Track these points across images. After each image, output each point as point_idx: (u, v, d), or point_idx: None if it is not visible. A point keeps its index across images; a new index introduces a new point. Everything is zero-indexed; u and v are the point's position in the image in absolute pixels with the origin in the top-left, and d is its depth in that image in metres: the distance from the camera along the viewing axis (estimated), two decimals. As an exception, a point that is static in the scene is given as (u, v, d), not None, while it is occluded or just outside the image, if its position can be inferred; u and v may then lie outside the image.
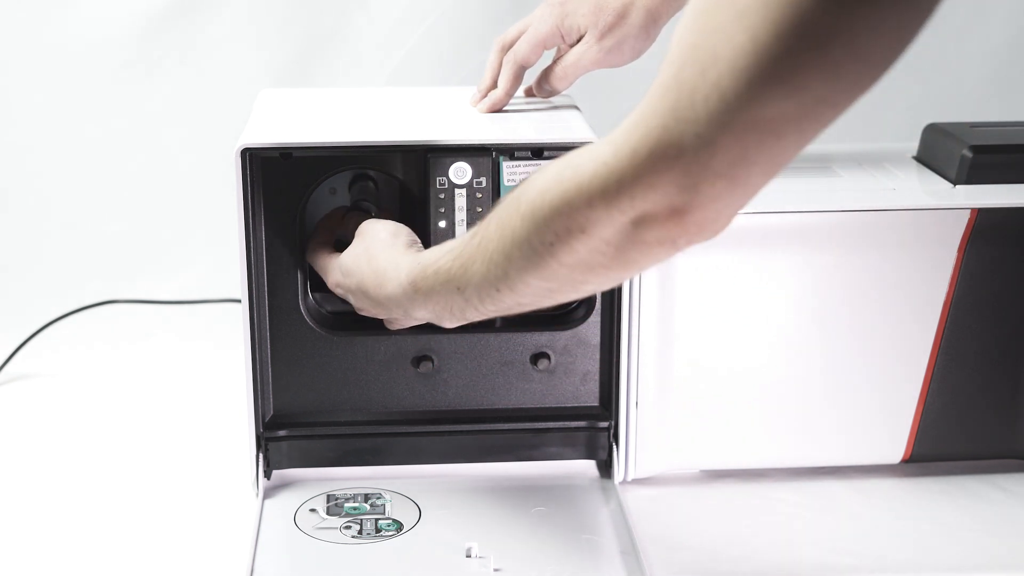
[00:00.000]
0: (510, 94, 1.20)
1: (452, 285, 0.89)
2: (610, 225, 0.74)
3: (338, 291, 1.07)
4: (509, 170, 1.11)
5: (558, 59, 1.19)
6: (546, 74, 1.20)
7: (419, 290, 0.94)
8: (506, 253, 0.82)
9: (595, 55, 1.16)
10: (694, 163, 0.69)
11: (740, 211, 0.73)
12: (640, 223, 0.73)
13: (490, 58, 1.21)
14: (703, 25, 0.67)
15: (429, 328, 1.14)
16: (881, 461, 1.20)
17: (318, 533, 1.09)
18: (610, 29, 1.15)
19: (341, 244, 1.10)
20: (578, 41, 1.17)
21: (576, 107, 1.24)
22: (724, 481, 1.19)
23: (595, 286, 0.81)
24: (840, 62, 0.64)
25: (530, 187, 0.80)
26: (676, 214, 0.72)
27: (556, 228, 0.77)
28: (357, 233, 1.06)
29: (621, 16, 1.14)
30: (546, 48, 1.19)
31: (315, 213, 1.20)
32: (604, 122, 1.29)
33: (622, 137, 0.72)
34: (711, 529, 1.11)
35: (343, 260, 1.05)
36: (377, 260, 1.01)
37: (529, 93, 1.24)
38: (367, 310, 1.05)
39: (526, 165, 1.12)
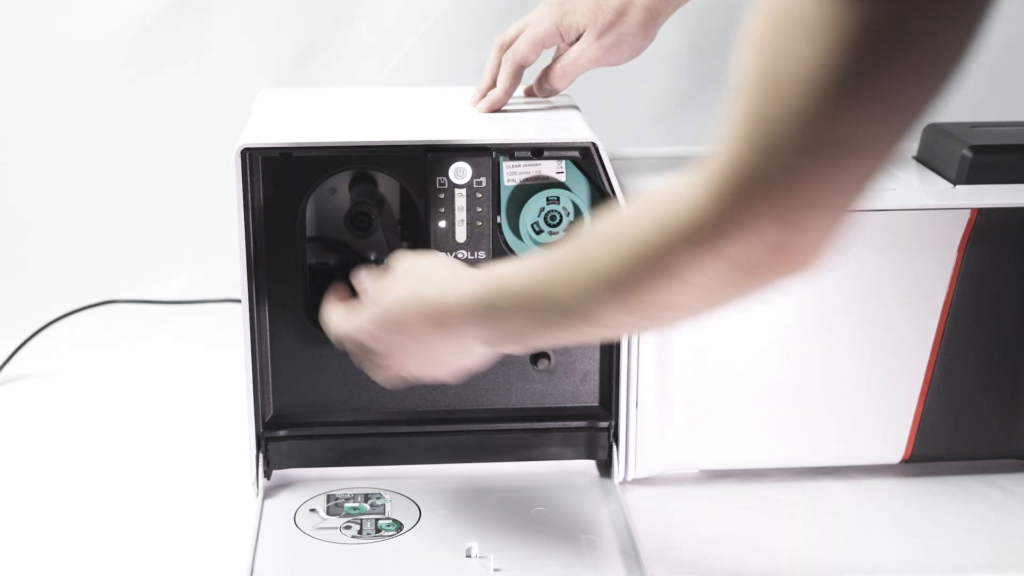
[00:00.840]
0: (509, 93, 1.19)
1: (529, 310, 0.84)
2: (705, 270, 0.71)
3: (360, 337, 0.99)
4: (509, 170, 1.11)
5: (557, 58, 1.19)
6: (546, 73, 1.20)
7: (490, 307, 0.88)
8: (586, 288, 0.79)
9: (594, 53, 1.16)
10: (787, 195, 0.66)
11: (834, 240, 0.70)
12: (738, 265, 0.70)
13: (489, 58, 1.21)
14: (768, 50, 0.64)
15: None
16: (881, 461, 1.20)
17: (318, 533, 1.09)
18: (609, 27, 1.15)
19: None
20: (577, 40, 1.17)
21: (576, 107, 1.24)
22: (724, 481, 1.19)
23: (682, 322, 0.78)
24: (918, 63, 0.62)
25: (616, 228, 0.77)
26: (775, 251, 0.69)
27: (644, 273, 0.74)
28: (391, 268, 1.00)
29: (620, 14, 1.14)
30: (545, 47, 1.19)
31: (315, 213, 1.20)
32: (604, 121, 1.29)
33: (706, 177, 0.69)
34: (711, 529, 1.11)
35: (384, 297, 0.97)
36: (435, 276, 0.94)
37: (529, 93, 1.24)
38: (393, 357, 0.98)
39: (526, 165, 1.12)
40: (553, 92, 1.21)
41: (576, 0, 1.16)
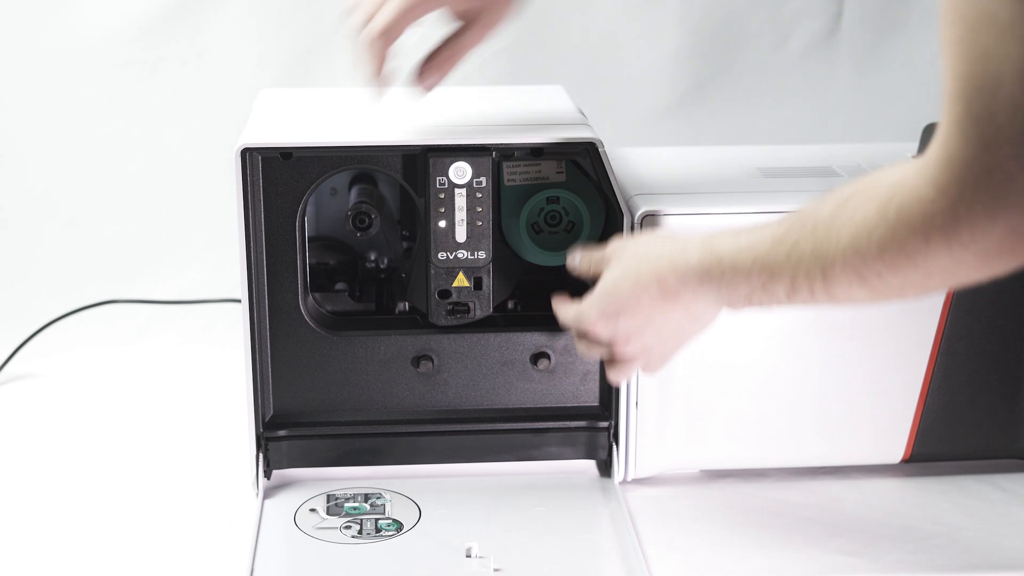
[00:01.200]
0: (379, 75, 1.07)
1: (755, 280, 0.89)
2: (949, 257, 0.75)
3: (594, 328, 1.02)
4: (509, 170, 1.11)
5: (441, 46, 1.10)
6: (431, 60, 1.10)
7: (712, 278, 0.93)
8: (823, 269, 0.83)
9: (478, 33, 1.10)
10: (1015, 184, 0.69)
11: None
12: (982, 251, 0.73)
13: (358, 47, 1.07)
14: (968, 54, 0.68)
15: (429, 328, 1.15)
16: (881, 461, 1.20)
17: (318, 533, 1.09)
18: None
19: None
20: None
21: (574, 105, 1.24)
22: (724, 481, 1.19)
23: (918, 297, 0.82)
24: None
25: (847, 217, 0.81)
26: (1012, 236, 0.72)
27: (888, 262, 0.78)
28: (611, 257, 1.03)
29: None
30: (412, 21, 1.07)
31: (315, 213, 1.21)
32: (604, 121, 1.29)
33: (940, 173, 0.73)
34: (711, 529, 1.11)
35: (604, 286, 1.01)
36: (652, 251, 0.98)
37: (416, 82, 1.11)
38: (623, 337, 1.01)
39: (526, 165, 1.12)
40: (438, 82, 1.11)
41: None
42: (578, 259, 1.07)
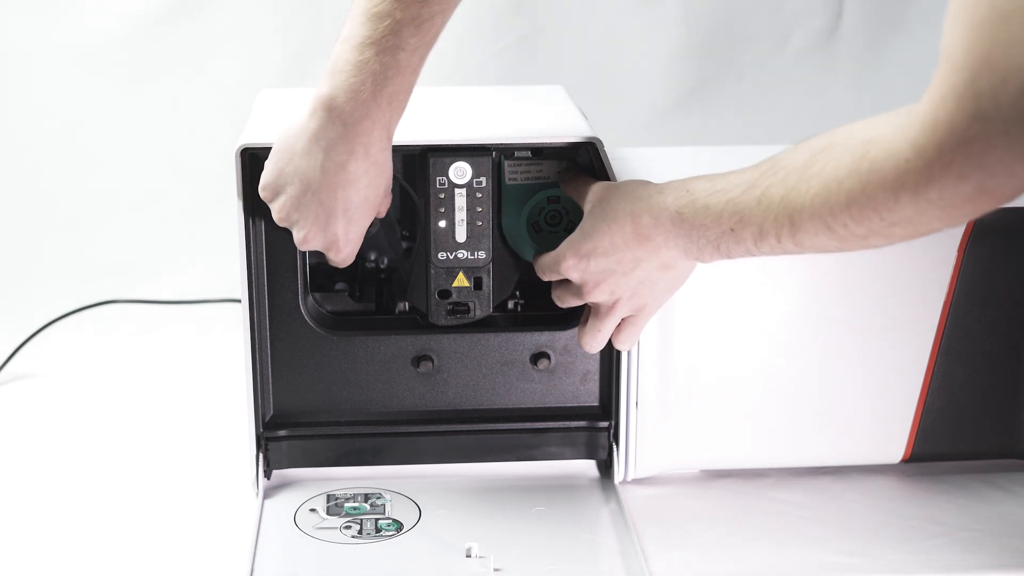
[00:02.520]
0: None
1: (725, 224, 0.91)
2: (914, 210, 0.77)
3: (573, 271, 1.03)
4: (510, 169, 1.11)
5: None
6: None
7: (684, 219, 0.94)
8: (791, 217, 0.85)
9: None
10: (1006, 154, 0.71)
11: None
12: (947, 205, 0.76)
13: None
14: (995, 37, 0.69)
15: (429, 328, 1.15)
16: (881, 461, 1.20)
17: (318, 533, 1.09)
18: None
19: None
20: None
21: (574, 105, 1.23)
22: (724, 481, 1.19)
23: (884, 245, 0.84)
24: None
25: (812, 162, 0.83)
26: (979, 192, 0.74)
27: (854, 214, 0.81)
28: (593, 200, 1.04)
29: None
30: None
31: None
32: (604, 121, 1.29)
33: (921, 135, 0.74)
34: (711, 529, 1.11)
35: (581, 226, 1.03)
36: (628, 193, 1.00)
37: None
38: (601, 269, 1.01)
39: (527, 164, 1.12)
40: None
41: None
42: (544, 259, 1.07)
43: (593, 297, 1.03)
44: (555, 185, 1.12)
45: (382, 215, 1.07)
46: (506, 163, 1.11)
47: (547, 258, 1.06)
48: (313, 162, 0.99)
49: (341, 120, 0.97)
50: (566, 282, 1.06)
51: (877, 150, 0.78)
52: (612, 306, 1.04)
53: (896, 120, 0.77)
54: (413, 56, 0.97)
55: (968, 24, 0.70)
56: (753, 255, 0.92)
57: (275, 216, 1.04)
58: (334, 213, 1.00)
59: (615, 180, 1.11)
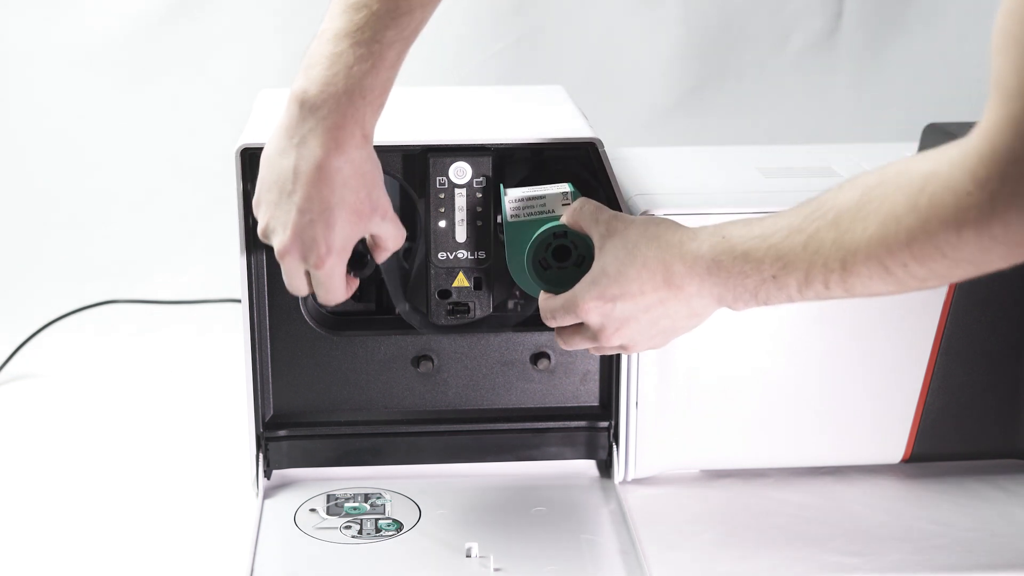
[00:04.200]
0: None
1: (766, 271, 0.87)
2: (978, 247, 0.74)
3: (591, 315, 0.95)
4: (512, 206, 1.04)
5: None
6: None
7: (721, 267, 0.90)
8: (843, 260, 0.81)
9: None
10: None
11: None
12: (1012, 242, 0.73)
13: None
14: None
15: (429, 328, 1.15)
16: (881, 461, 1.20)
17: (318, 533, 1.09)
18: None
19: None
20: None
21: (574, 105, 1.24)
22: (724, 481, 1.19)
23: (939, 286, 0.83)
24: None
25: (865, 201, 0.79)
26: None
27: (915, 253, 0.77)
28: (611, 233, 0.97)
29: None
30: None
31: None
32: (604, 121, 1.29)
33: (980, 166, 0.72)
34: (711, 529, 1.11)
35: (603, 266, 0.95)
36: (661, 237, 0.94)
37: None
38: (614, 322, 0.95)
39: (530, 199, 1.05)
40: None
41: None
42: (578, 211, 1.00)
43: (610, 342, 0.97)
44: (558, 218, 1.02)
45: (383, 249, 1.01)
46: (507, 201, 1.04)
47: (561, 300, 0.98)
48: (287, 162, 0.96)
49: (313, 114, 0.94)
50: (577, 324, 0.99)
51: (935, 184, 0.74)
52: (623, 346, 0.98)
53: (949, 153, 0.74)
54: (389, 50, 0.94)
55: (1018, 51, 0.69)
56: (794, 302, 0.88)
57: (259, 231, 0.99)
58: (310, 216, 0.95)
59: (615, 182, 1.10)
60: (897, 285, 0.81)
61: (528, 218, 1.04)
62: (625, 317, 0.95)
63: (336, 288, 1.00)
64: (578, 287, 0.97)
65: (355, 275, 1.05)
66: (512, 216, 1.04)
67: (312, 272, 0.99)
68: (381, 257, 1.05)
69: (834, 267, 0.82)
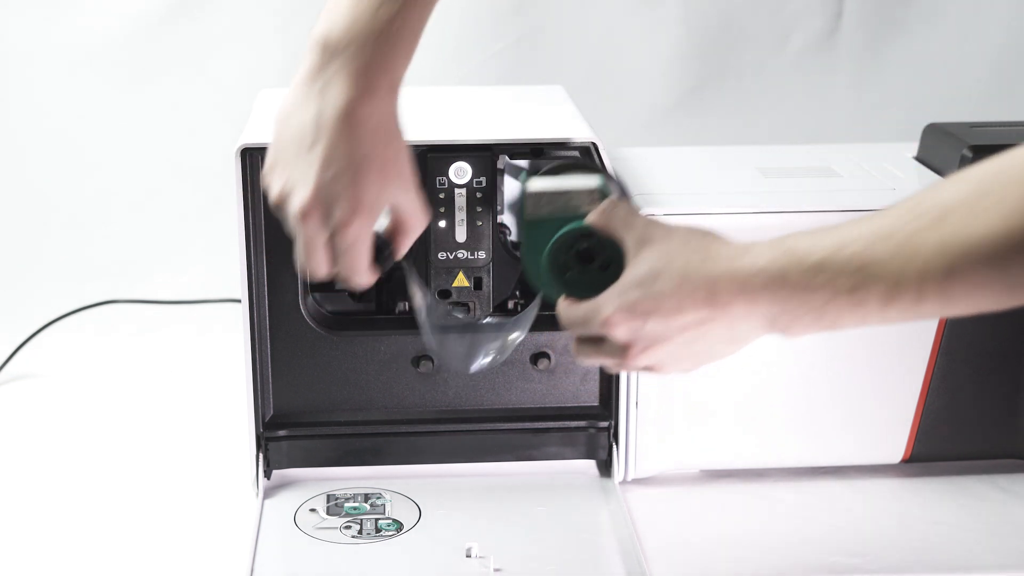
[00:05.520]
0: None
1: (843, 283, 0.76)
2: None
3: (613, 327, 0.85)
4: (533, 200, 0.94)
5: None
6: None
7: (783, 281, 0.79)
8: (949, 265, 0.72)
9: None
10: None
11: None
12: None
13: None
14: None
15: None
16: (881, 461, 1.20)
17: (318, 533, 1.09)
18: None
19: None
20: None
21: (574, 105, 1.24)
22: (724, 481, 1.19)
23: None
24: None
25: (992, 202, 0.70)
26: None
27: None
28: (647, 239, 0.86)
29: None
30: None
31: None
32: (604, 121, 1.29)
33: None
34: (711, 529, 1.11)
35: (637, 275, 0.85)
36: (708, 249, 0.83)
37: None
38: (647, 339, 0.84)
39: (553, 194, 0.94)
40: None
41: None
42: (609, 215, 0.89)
43: (636, 362, 0.86)
44: (583, 216, 0.93)
45: (406, 230, 0.92)
46: (527, 193, 0.95)
47: (584, 310, 0.88)
48: (307, 113, 0.87)
49: (337, 56, 0.86)
50: (598, 338, 0.88)
51: None
52: (649, 367, 0.88)
53: None
54: None
55: None
56: (867, 323, 0.77)
57: (271, 200, 0.89)
58: (334, 170, 0.86)
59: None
60: (1009, 295, 0.72)
61: (550, 215, 0.94)
62: (656, 336, 0.85)
63: (360, 260, 0.90)
64: (605, 297, 0.86)
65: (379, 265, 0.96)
66: (532, 212, 0.94)
67: (336, 239, 0.88)
68: (403, 244, 0.94)
69: (935, 274, 0.72)
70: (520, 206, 0.96)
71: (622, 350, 0.87)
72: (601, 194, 0.94)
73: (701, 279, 0.82)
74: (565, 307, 0.90)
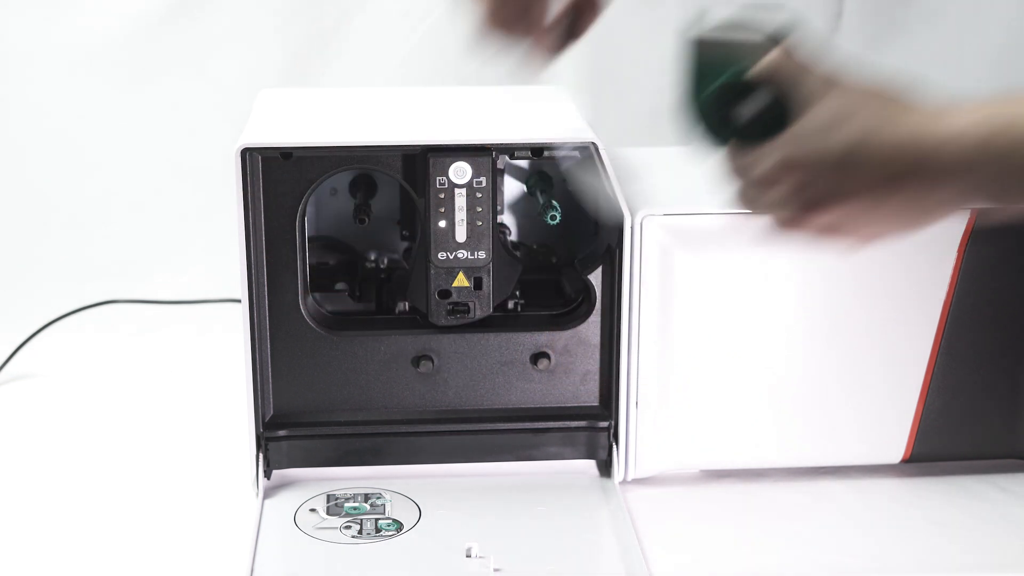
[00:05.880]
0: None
1: None
2: None
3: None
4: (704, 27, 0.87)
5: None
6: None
7: (989, 147, 0.72)
8: None
9: None
10: None
11: None
12: None
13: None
14: None
15: (429, 328, 1.15)
16: (881, 461, 1.20)
17: (318, 533, 1.09)
18: None
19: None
20: None
21: (574, 105, 1.24)
22: (724, 481, 1.19)
23: None
24: None
25: None
26: None
27: None
28: (825, 81, 0.80)
29: None
30: None
31: (315, 213, 1.21)
32: (604, 121, 1.29)
33: None
34: (711, 529, 1.11)
35: (826, 118, 0.77)
36: (912, 103, 0.77)
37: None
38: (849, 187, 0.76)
39: (729, 25, 0.89)
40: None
41: None
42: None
43: (812, 224, 0.79)
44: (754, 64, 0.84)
45: (592, 9, 0.88)
46: (700, 41, 0.85)
47: (751, 156, 0.82)
48: None
49: None
50: (771, 186, 0.81)
51: None
52: (830, 225, 0.79)
53: None
54: None
55: None
56: None
57: None
58: None
59: (615, 182, 1.10)
60: None
61: (728, 39, 0.86)
62: (829, 191, 0.78)
63: (543, 17, 0.85)
64: (786, 140, 0.79)
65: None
66: (707, 33, 0.85)
67: None
68: (588, 20, 0.91)
69: None
70: (694, 52, 0.87)
71: (801, 197, 0.80)
72: (774, 43, 0.86)
73: (889, 134, 0.76)
74: (732, 153, 0.84)
